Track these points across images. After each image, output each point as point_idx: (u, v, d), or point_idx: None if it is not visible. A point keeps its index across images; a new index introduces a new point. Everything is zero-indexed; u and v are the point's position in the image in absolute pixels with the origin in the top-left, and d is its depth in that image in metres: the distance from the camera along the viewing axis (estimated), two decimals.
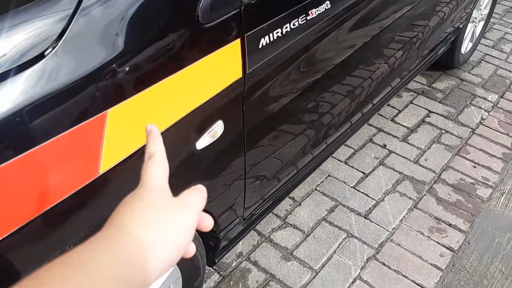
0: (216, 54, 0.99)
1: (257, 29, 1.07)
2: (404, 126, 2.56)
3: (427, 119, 2.62)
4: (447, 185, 2.22)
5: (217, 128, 1.08)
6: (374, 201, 2.10)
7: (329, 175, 2.22)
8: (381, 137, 2.48)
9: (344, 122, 1.85)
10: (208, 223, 0.47)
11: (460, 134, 2.53)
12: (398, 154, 2.37)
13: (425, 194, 2.16)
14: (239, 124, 1.16)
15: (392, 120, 2.60)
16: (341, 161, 2.30)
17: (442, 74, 3.01)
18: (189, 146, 1.02)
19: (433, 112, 2.68)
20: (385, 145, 2.42)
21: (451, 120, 2.63)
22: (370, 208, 2.07)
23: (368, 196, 2.13)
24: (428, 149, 2.42)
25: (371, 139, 2.46)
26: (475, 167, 2.34)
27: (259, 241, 1.90)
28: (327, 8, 1.25)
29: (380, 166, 2.29)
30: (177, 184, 0.60)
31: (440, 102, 2.76)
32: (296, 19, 1.17)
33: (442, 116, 2.66)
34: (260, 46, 1.10)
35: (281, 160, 1.48)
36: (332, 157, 2.32)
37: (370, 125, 2.55)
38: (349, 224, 1.99)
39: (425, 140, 2.48)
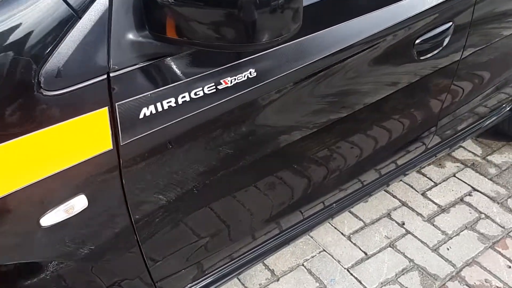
0: (69, 124, 0.88)
1: (135, 98, 0.94)
2: (435, 203, 2.21)
3: (467, 199, 2.24)
4: (465, 286, 1.84)
5: (76, 203, 0.96)
6: None
7: (324, 250, 1.96)
8: (402, 212, 2.16)
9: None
10: None
11: (504, 223, 2.11)
12: (415, 237, 2.03)
13: None
14: (116, 199, 1.03)
15: (423, 194, 2.26)
16: (344, 235, 2.03)
17: (505, 145, 2.58)
18: (29, 221, 0.92)
19: (477, 191, 2.28)
20: (403, 223, 2.10)
21: (498, 203, 2.22)
22: None
23: (360, 283, 1.83)
24: (456, 235, 2.05)
25: (389, 214, 2.15)
26: (510, 267, 1.92)
27: None
28: (250, 76, 1.08)
29: (389, 248, 1.98)
30: None
31: (490, 180, 2.35)
32: (200, 89, 1.02)
33: (488, 196, 2.25)
34: (142, 116, 0.96)
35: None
36: (335, 228, 2.06)
37: (394, 196, 2.24)
38: None
39: (456, 224, 2.10)
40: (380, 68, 1.40)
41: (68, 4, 0.84)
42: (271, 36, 0.88)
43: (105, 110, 0.92)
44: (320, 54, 1.19)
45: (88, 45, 0.86)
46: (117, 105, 0.92)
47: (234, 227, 1.39)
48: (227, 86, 1.05)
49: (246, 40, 0.86)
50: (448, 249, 1.99)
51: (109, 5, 0.86)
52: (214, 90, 1.04)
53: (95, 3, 0.85)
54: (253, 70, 1.08)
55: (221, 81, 1.04)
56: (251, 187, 1.34)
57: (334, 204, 1.67)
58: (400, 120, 1.66)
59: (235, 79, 1.06)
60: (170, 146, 1.04)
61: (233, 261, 1.49)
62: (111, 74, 0.90)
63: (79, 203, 0.96)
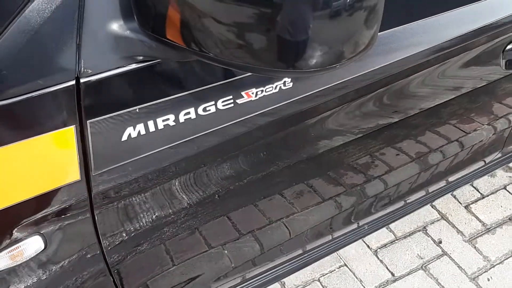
0: (17, 147, 0.61)
1: (117, 113, 0.66)
2: (480, 220, 1.91)
3: None
4: None
5: (26, 247, 0.70)
6: None
7: (345, 264, 1.70)
8: (441, 228, 1.87)
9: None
10: None
11: None
12: (452, 260, 1.75)
13: None
14: (87, 240, 0.77)
15: (467, 207, 1.96)
16: (371, 248, 1.77)
17: None
18: None
19: None
20: (440, 242, 1.82)
21: None
22: None
23: None
24: (499, 263, 1.76)
25: (425, 228, 1.86)
26: None
27: None
28: (284, 88, 0.78)
29: (420, 271, 1.71)
30: None
31: None
32: (212, 103, 0.72)
33: None
34: (126, 138, 0.68)
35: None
36: (362, 239, 1.79)
37: (433, 206, 1.95)
38: None
39: (501, 249, 1.81)
40: (451, 81, 1.08)
41: None
42: (328, 58, 0.56)
43: (70, 130, 0.64)
44: (387, 59, 0.88)
45: (45, 39, 0.57)
46: (89, 123, 0.65)
47: (233, 255, 1.13)
48: (250, 100, 0.76)
49: (285, 64, 0.55)
50: (488, 279, 1.71)
51: None
52: (232, 104, 0.74)
53: None
54: (289, 80, 0.78)
55: (242, 93, 0.75)
56: (251, 208, 1.07)
57: (366, 226, 1.39)
58: (461, 132, 1.35)
59: (262, 91, 0.76)
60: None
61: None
62: (82, 80, 0.61)
63: (33, 246, 0.71)
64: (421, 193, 1.50)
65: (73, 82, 0.61)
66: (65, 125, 0.63)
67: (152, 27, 0.59)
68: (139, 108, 0.67)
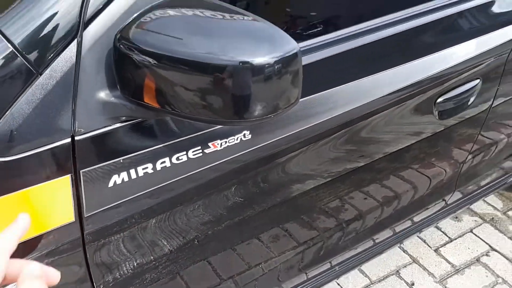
0: (22, 195, 0.75)
1: (105, 164, 0.81)
2: (449, 262, 2.03)
3: (484, 259, 2.05)
4: None
5: None
6: None
7: None
8: (412, 270, 1.98)
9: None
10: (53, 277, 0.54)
11: None
12: None
13: None
14: (79, 277, 0.89)
15: (436, 250, 2.09)
16: None
17: None
18: None
19: (496, 251, 2.10)
20: (413, 284, 1.92)
21: None
22: None
23: None
24: None
25: (397, 271, 1.98)
26: None
27: None
28: (244, 139, 0.94)
29: None
30: None
31: (510, 238, 2.17)
32: (184, 153, 0.88)
33: (507, 258, 2.06)
34: (112, 184, 0.83)
35: None
36: (338, 284, 1.89)
37: (405, 251, 2.07)
38: None
39: (471, 287, 1.93)
40: (399, 125, 1.25)
41: (25, 58, 0.71)
42: (267, 110, 0.73)
43: (67, 179, 0.78)
44: (331, 113, 1.05)
45: (48, 105, 0.73)
46: (82, 172, 0.79)
47: None
48: (216, 150, 0.92)
49: (237, 117, 0.72)
50: None
51: (76, 61, 0.73)
52: (201, 154, 0.90)
53: (58, 58, 0.72)
54: (248, 132, 0.94)
55: (209, 144, 0.90)
56: (230, 253, 1.19)
57: (337, 267, 1.51)
58: (418, 172, 1.50)
59: (226, 141, 0.92)
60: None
61: None
62: (76, 138, 0.77)
63: None
64: (389, 233, 1.63)
65: (69, 139, 0.76)
66: (63, 174, 0.78)
67: (132, 93, 0.75)
68: (123, 159, 0.82)
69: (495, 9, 1.30)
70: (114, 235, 0.89)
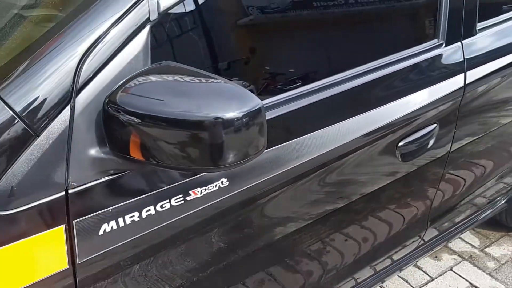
0: (21, 245, 0.83)
1: (95, 214, 0.89)
2: None
3: None
4: None
5: None
6: None
7: None
8: None
9: None
10: None
11: None
12: None
13: None
14: None
15: None
16: None
17: (504, 236, 2.49)
18: None
19: (476, 287, 2.17)
20: None
21: None
22: None
23: None
24: None
25: None
26: None
27: None
28: (222, 186, 1.04)
29: None
30: None
31: (488, 274, 2.24)
32: (167, 201, 0.97)
33: None
34: (102, 232, 0.91)
35: None
36: None
37: None
38: None
39: None
40: (369, 167, 1.36)
41: (24, 122, 0.81)
42: (239, 157, 0.84)
43: (61, 229, 0.87)
44: (299, 160, 1.16)
45: (45, 163, 0.83)
46: (75, 222, 0.88)
47: None
48: (197, 197, 1.01)
49: (212, 164, 0.83)
50: None
51: (69, 123, 0.83)
52: (183, 201, 0.99)
53: (54, 122, 0.83)
54: (225, 180, 1.04)
55: (190, 192, 1.00)
56: None
57: None
58: (393, 211, 1.60)
59: (205, 189, 1.02)
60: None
61: None
62: (70, 191, 0.86)
63: None
64: (370, 272, 1.70)
65: (63, 193, 0.85)
66: (57, 225, 0.86)
67: (119, 149, 0.86)
68: (111, 209, 0.91)
69: (444, 61, 1.45)
70: (105, 279, 0.96)
